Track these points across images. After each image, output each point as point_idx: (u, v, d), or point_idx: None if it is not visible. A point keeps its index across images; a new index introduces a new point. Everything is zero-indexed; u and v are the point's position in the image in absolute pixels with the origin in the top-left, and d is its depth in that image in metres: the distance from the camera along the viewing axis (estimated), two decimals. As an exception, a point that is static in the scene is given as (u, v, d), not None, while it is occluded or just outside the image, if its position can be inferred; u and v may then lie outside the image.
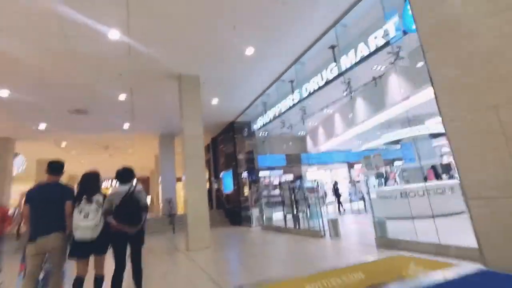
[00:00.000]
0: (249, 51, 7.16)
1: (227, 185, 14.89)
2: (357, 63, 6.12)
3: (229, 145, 14.42)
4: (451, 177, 8.89)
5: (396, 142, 12.30)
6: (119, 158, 20.23)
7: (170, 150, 15.27)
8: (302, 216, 9.09)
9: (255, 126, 12.35)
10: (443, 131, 2.30)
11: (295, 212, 9.21)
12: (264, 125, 11.44)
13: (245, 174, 13.62)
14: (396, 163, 16.15)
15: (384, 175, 12.25)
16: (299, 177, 15.73)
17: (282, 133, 14.40)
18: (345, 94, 6.91)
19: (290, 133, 16.75)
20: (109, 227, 3.37)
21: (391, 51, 5.59)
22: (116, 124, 12.36)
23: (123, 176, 3.71)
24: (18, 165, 15.88)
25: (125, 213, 3.41)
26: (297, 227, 9.08)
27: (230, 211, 14.33)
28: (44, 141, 13.77)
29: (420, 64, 7.43)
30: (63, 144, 14.58)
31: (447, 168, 9.16)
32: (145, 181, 29.05)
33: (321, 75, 7.53)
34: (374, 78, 6.53)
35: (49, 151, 15.56)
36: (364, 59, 5.99)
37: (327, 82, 7.25)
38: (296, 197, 9.33)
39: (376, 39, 5.75)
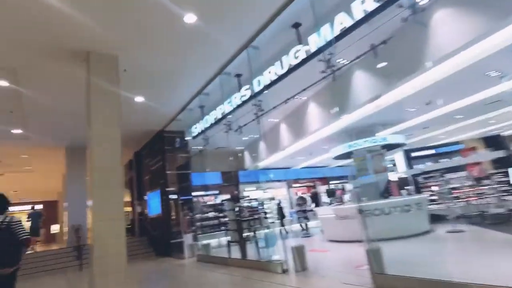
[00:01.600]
0: (189, 18, 5.37)
1: (154, 207, 12.37)
2: (337, 38, 4.88)
3: (156, 159, 12.08)
4: (410, 192, 8.33)
5: (347, 156, 11.65)
6: (15, 179, 15.91)
7: (79, 167, 12.15)
8: (251, 242, 7.42)
9: (190, 136, 10.41)
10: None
11: (241, 237, 7.48)
12: (201, 132, 9.59)
13: (176, 194, 11.39)
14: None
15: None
16: (236, 197, 14.10)
17: (219, 147, 12.88)
18: (323, 76, 5.56)
19: (227, 147, 15.23)
20: None
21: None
22: (0, 130, 9.14)
23: None
24: None
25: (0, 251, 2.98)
26: (245, 257, 7.34)
27: (156, 238, 11.80)
28: None
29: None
30: None
31: (404, 182, 8.63)
32: (52, 206, 24.14)
33: (281, 63, 6.16)
34: (333, 72, 5.38)
35: None
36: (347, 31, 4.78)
37: (290, 70, 5.90)
38: (241, 218, 7.63)
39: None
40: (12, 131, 9.43)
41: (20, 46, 5.53)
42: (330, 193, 13.48)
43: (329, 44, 5.24)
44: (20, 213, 23.24)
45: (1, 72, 6.26)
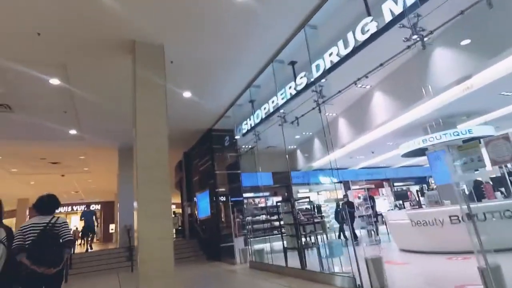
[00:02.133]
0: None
1: (203, 208, 11.94)
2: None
3: (205, 159, 11.65)
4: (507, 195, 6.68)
5: (418, 153, 10.09)
6: (75, 179, 16.76)
7: (131, 167, 12.21)
8: (311, 249, 6.46)
9: (239, 134, 9.75)
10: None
11: (299, 243, 6.53)
12: (252, 128, 8.87)
13: (225, 195, 10.80)
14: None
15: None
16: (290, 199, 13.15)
17: (269, 146, 12.18)
18: (408, 46, 4.49)
19: (278, 146, 14.40)
20: (20, 268, 2.90)
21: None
22: (57, 130, 9.34)
23: (44, 205, 3.29)
24: None
25: (42, 251, 2.94)
26: (304, 266, 6.38)
27: (207, 241, 11.32)
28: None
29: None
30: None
31: (500, 182, 7.00)
32: (109, 207, 25.39)
33: (345, 42, 5.17)
34: (421, 38, 4.23)
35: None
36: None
37: (356, 49, 4.88)
38: (300, 222, 6.68)
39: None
40: (69, 131, 9.62)
41: (67, 40, 5.30)
42: (400, 195, 11.90)
43: (415, 5, 4.14)
44: (80, 213, 24.78)
45: (51, 69, 6.14)
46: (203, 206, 11.90)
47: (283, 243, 7.28)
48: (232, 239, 9.67)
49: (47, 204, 3.31)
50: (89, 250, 11.14)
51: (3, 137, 9.22)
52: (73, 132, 9.65)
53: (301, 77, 6.57)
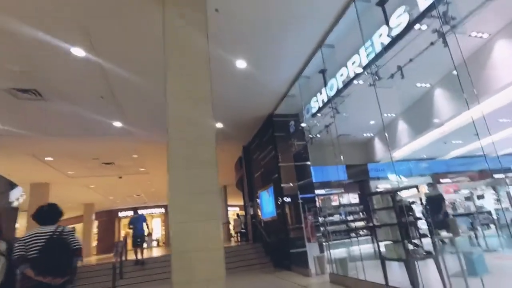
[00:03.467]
0: None
1: (267, 208, 10.39)
2: None
3: (267, 150, 10.11)
4: None
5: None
6: (133, 181, 16.61)
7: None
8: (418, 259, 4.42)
9: (308, 113, 7.99)
10: None
11: (407, 252, 4.51)
12: (326, 103, 7.07)
13: (293, 192, 9.09)
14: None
15: None
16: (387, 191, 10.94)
17: (341, 134, 10.22)
18: None
19: (352, 135, 12.25)
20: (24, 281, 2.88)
21: None
22: (100, 123, 8.50)
23: (45, 215, 3.14)
24: (16, 196, 13.31)
25: (49, 261, 2.86)
26: (416, 286, 4.36)
27: (273, 246, 9.71)
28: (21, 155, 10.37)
29: None
30: (48, 158, 11.12)
31: None
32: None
33: None
34: None
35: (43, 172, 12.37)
36: None
37: None
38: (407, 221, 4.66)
39: None
40: (113, 123, 8.79)
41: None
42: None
43: None
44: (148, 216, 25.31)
45: (74, 36, 5.07)
46: (267, 205, 10.34)
47: (379, 251, 5.30)
48: (305, 244, 7.89)
49: (47, 213, 3.18)
50: (139, 259, 9.42)
51: (45, 132, 8.58)
52: (118, 124, 8.80)
53: (399, 15, 4.61)
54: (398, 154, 12.08)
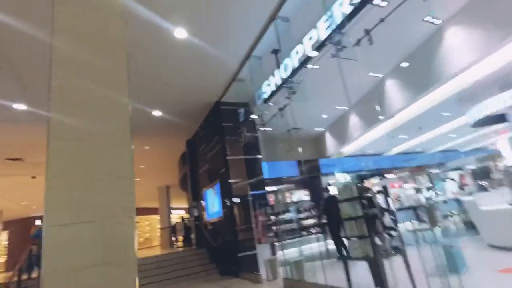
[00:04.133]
0: None
1: (212, 208, 9.30)
2: None
3: (213, 142, 9.05)
4: None
5: (495, 120, 7.39)
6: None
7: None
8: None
9: (260, 100, 7.14)
10: None
11: (374, 250, 3.85)
12: (277, 88, 6.29)
13: (241, 189, 8.16)
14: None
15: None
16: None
17: (292, 128, 9.64)
18: None
19: (303, 129, 11.77)
20: None
21: None
22: None
23: None
24: None
25: None
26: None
27: (219, 251, 8.64)
28: None
29: None
30: None
31: None
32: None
33: None
34: None
35: None
36: None
37: None
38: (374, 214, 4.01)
39: None
40: (13, 105, 6.83)
41: None
42: (481, 173, 9.08)
43: None
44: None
45: None
46: (212, 205, 9.26)
47: (339, 249, 4.59)
48: (254, 246, 7.01)
49: None
50: None
51: None
52: (20, 106, 6.81)
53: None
54: (348, 149, 11.91)
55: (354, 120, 10.11)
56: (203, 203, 10.34)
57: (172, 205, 20.42)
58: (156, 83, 7.09)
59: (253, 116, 8.13)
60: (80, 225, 1.95)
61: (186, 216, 16.77)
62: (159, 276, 8.07)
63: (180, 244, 15.95)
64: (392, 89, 8.18)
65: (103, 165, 2.23)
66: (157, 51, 5.90)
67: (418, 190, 9.55)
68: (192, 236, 11.78)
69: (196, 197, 11.22)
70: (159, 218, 19.57)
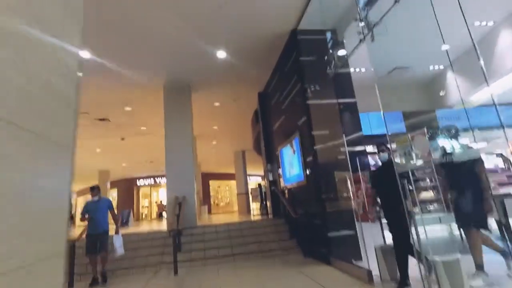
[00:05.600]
0: None
1: (291, 170, 7.25)
2: None
3: (290, 84, 6.82)
4: None
5: None
6: (139, 145, 14.03)
7: (182, 110, 8.33)
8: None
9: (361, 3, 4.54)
10: None
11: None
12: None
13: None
14: None
15: None
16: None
17: (396, 67, 6.95)
18: None
19: (410, 69, 8.64)
20: None
21: None
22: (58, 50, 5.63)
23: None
24: None
25: None
26: None
27: (302, 226, 6.63)
28: None
29: None
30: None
31: None
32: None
33: None
34: None
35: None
36: None
37: None
38: None
39: None
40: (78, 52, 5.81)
41: None
42: None
43: None
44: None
45: None
46: (290, 165, 7.21)
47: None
48: (354, 225, 4.79)
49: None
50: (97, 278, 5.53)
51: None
52: (85, 54, 5.91)
53: None
54: (485, 95, 8.35)
55: (507, 40, 6.57)
56: (278, 162, 8.40)
57: (250, 172, 19.47)
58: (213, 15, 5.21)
59: (342, 52, 5.59)
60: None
61: (263, 183, 15.41)
62: (225, 250, 6.61)
63: (256, 211, 14.82)
64: None
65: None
66: None
67: None
68: (268, 203, 10.13)
69: (270, 159, 9.36)
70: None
